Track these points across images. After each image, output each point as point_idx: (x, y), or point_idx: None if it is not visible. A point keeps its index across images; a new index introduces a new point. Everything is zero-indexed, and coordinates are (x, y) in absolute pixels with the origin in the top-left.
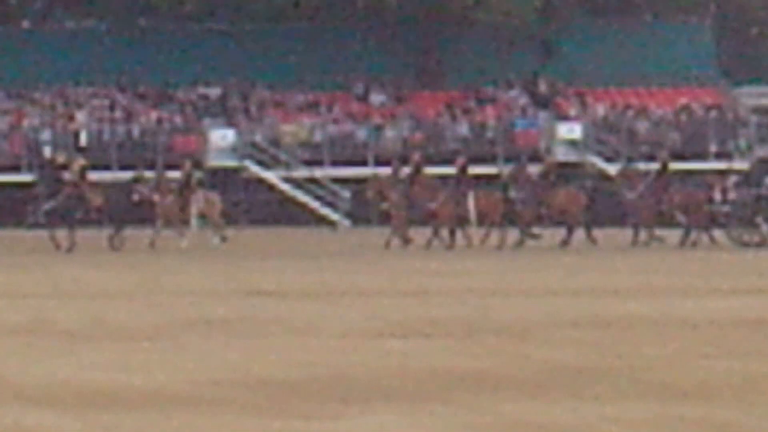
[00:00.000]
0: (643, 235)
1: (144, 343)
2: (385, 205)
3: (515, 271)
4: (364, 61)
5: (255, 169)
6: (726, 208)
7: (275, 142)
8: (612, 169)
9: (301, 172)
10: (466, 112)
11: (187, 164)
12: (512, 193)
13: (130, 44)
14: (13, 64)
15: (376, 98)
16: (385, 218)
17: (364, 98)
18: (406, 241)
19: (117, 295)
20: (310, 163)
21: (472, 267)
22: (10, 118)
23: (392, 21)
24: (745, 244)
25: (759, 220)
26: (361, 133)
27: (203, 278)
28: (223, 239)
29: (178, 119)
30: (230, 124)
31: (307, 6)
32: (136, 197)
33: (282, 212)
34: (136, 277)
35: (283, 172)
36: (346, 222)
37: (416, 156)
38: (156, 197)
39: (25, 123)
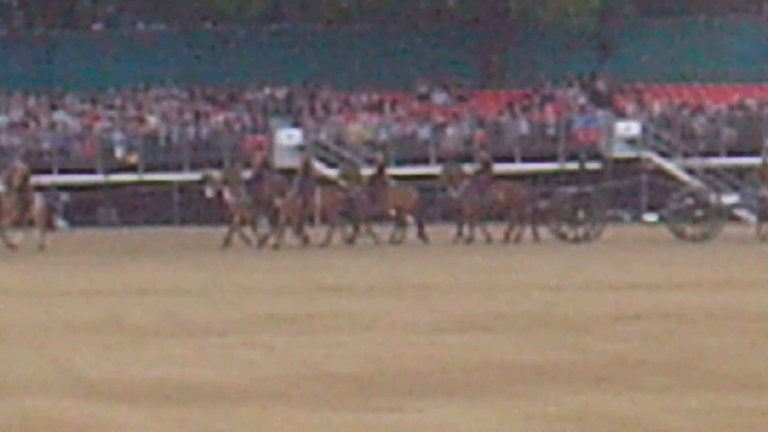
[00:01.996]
0: (467, 231)
1: (214, 339)
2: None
3: (575, 266)
4: (427, 61)
5: (321, 168)
6: (547, 204)
7: (340, 142)
8: (668, 164)
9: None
10: (526, 110)
11: (258, 156)
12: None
13: (199, 47)
14: (85, 66)
15: (438, 98)
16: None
17: (426, 98)
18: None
19: (188, 292)
20: (372, 162)
21: (532, 263)
22: (83, 120)
23: (454, 22)
24: (564, 238)
25: (581, 215)
26: (424, 132)
27: (272, 275)
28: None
29: (246, 120)
30: (296, 123)
31: (370, 8)
32: (210, 194)
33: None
34: (206, 275)
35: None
36: (410, 219)
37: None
38: (227, 195)
39: (97, 125)
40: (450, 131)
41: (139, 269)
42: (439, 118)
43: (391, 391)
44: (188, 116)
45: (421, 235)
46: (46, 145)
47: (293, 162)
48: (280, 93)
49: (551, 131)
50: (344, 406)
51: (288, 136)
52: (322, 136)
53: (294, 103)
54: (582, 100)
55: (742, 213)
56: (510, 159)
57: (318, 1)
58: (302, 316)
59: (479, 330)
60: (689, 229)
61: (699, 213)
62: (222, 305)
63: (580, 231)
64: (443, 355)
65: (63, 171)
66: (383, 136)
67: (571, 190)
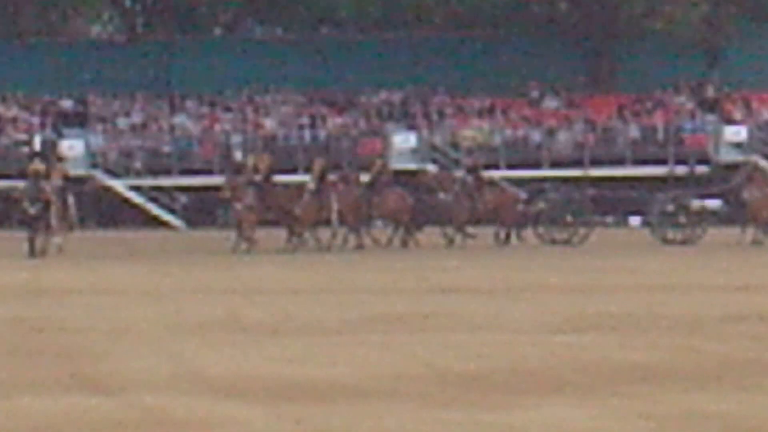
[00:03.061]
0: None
1: (329, 338)
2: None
3: (682, 267)
4: (539, 66)
5: (433, 171)
6: (537, 208)
7: (454, 145)
8: None
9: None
10: (637, 115)
11: (378, 163)
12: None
13: (317, 52)
14: (204, 70)
15: (550, 103)
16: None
17: (538, 103)
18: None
19: (303, 291)
20: (487, 166)
21: (640, 264)
22: (203, 123)
23: (566, 29)
24: (554, 241)
25: (569, 218)
26: (535, 136)
27: (385, 275)
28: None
29: (362, 124)
30: (411, 127)
31: (484, 14)
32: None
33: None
34: (322, 275)
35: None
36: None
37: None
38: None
39: (217, 128)
40: (561, 135)
41: (256, 269)
42: (551, 123)
43: (503, 389)
44: (305, 120)
45: (410, 239)
46: (166, 148)
47: (409, 165)
48: (396, 97)
49: (660, 136)
50: (457, 404)
51: (403, 140)
52: (436, 140)
53: (409, 108)
54: (690, 105)
55: None
56: (620, 162)
57: (433, 7)
58: (416, 315)
59: (589, 330)
60: (670, 234)
61: (681, 218)
62: (338, 305)
63: (572, 235)
64: (554, 355)
65: (183, 173)
66: (496, 139)
67: (559, 194)
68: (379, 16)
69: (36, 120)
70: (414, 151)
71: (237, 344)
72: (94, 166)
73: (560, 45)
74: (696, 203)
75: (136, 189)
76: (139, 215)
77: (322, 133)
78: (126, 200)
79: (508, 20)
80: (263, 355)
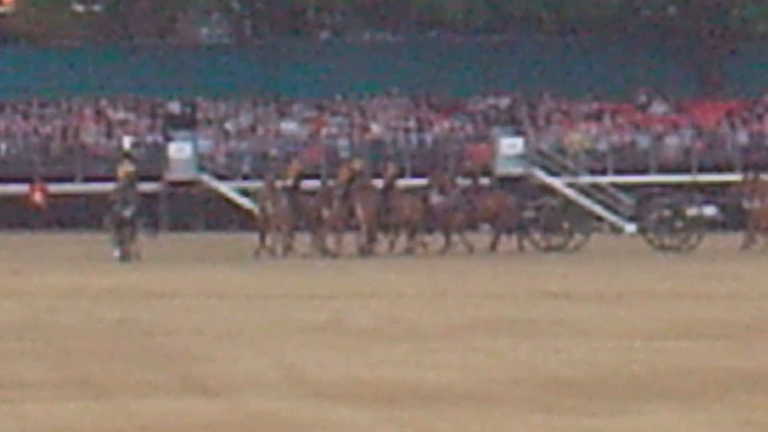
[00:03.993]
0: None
1: (435, 342)
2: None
3: None
4: (647, 72)
5: (542, 176)
6: (533, 214)
7: (561, 150)
8: None
9: (586, 179)
10: (746, 121)
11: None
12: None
13: (424, 56)
14: (312, 74)
15: (658, 108)
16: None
17: (646, 108)
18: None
19: (409, 295)
20: (594, 171)
21: (748, 271)
22: (310, 126)
23: (674, 33)
24: (549, 248)
25: (566, 225)
26: (643, 142)
27: (493, 280)
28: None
29: (468, 128)
30: (518, 132)
31: (592, 19)
32: (435, 201)
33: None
34: (427, 279)
35: (568, 179)
36: (631, 227)
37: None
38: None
39: (324, 132)
40: (669, 141)
41: (361, 272)
42: (659, 128)
43: (609, 395)
44: (412, 124)
45: (419, 244)
46: (273, 151)
47: (515, 170)
48: (503, 102)
49: None
50: (562, 409)
51: (510, 145)
52: (543, 145)
53: (516, 113)
54: None
55: None
56: (729, 169)
57: (541, 12)
58: (523, 320)
59: (697, 336)
60: (667, 240)
61: (678, 224)
62: (443, 309)
63: (569, 241)
64: (661, 361)
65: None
66: (603, 145)
67: (556, 201)
68: (487, 20)
69: (144, 122)
70: (520, 157)
71: (343, 348)
72: (202, 168)
73: (669, 50)
74: (692, 210)
75: (244, 192)
76: (246, 218)
77: (428, 138)
78: (233, 203)
79: (616, 25)
80: (369, 359)
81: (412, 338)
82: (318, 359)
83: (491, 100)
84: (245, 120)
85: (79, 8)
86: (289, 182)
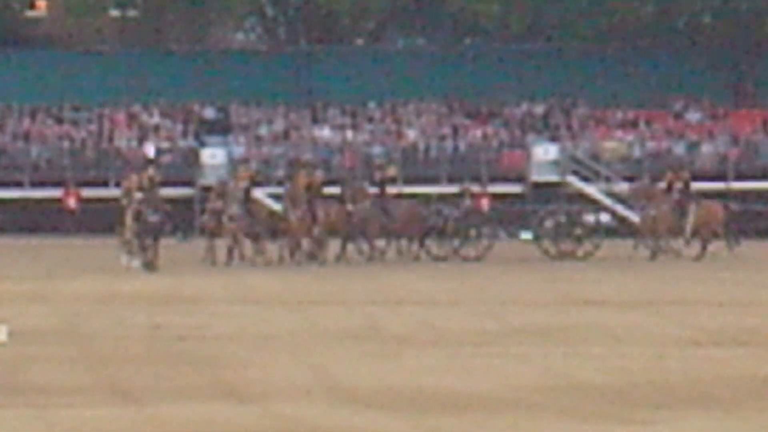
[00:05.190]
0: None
1: (470, 349)
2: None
3: None
4: (682, 80)
5: (576, 183)
6: (441, 222)
7: (596, 157)
8: None
9: (621, 186)
10: None
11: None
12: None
13: (458, 62)
14: (346, 80)
15: (693, 116)
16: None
17: (681, 115)
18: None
19: (442, 302)
20: (629, 178)
21: None
22: (343, 133)
23: (710, 41)
24: (464, 258)
25: (473, 233)
26: (679, 149)
27: (526, 287)
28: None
29: (503, 135)
30: (553, 139)
31: (628, 26)
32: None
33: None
34: (463, 286)
35: (603, 186)
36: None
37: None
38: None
39: (358, 138)
40: (704, 149)
41: (395, 279)
42: (694, 136)
43: (643, 403)
44: (446, 130)
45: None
46: (307, 157)
47: (550, 177)
48: (538, 109)
49: None
50: (596, 417)
51: (544, 152)
52: (578, 152)
53: (551, 119)
54: None
55: None
56: (765, 176)
57: (576, 19)
58: (557, 327)
59: (732, 344)
60: (562, 247)
61: (578, 231)
62: (477, 316)
63: (476, 249)
64: (696, 369)
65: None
66: (638, 152)
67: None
68: (523, 27)
69: (178, 128)
70: (555, 163)
71: (376, 355)
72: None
73: (704, 57)
74: (589, 217)
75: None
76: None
77: (463, 144)
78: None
79: (651, 32)
80: (403, 366)
81: (446, 345)
82: (352, 365)
83: (526, 107)
84: (279, 125)
85: (114, 13)
86: (241, 186)
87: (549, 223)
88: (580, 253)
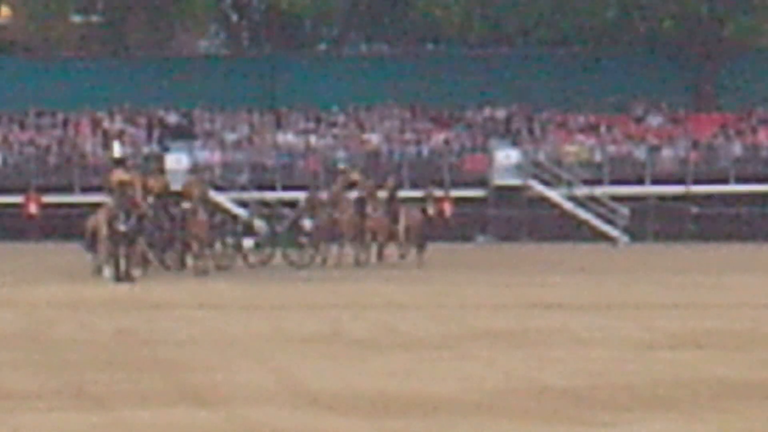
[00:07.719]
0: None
1: (432, 352)
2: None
3: None
4: (643, 84)
5: (538, 188)
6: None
7: (558, 162)
8: None
9: (582, 190)
10: (740, 133)
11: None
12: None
13: (421, 68)
14: (309, 86)
15: (654, 120)
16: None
17: (642, 120)
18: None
19: (406, 306)
20: (590, 182)
21: (741, 281)
22: (306, 138)
23: (670, 46)
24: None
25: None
26: (639, 153)
27: (488, 291)
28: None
29: (466, 139)
30: (515, 143)
31: (588, 32)
32: (430, 212)
33: (563, 229)
34: (425, 290)
35: (564, 191)
36: (625, 238)
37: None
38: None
39: (320, 143)
40: (665, 153)
41: (359, 283)
42: (654, 140)
43: (604, 405)
44: (409, 135)
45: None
46: (270, 162)
47: (511, 181)
48: (500, 113)
49: (764, 154)
50: (558, 419)
51: (506, 156)
52: (540, 156)
53: (513, 124)
54: None
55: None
56: (724, 180)
57: (537, 24)
58: (518, 331)
59: (691, 347)
60: (292, 256)
61: (300, 239)
62: (439, 319)
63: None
64: (656, 371)
65: (286, 188)
66: (599, 156)
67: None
68: (484, 32)
69: (142, 133)
70: (517, 167)
71: (340, 358)
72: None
73: (664, 62)
74: (308, 223)
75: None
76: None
77: (425, 149)
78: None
79: (611, 37)
80: (366, 370)
81: (409, 348)
82: (315, 369)
83: (488, 112)
84: (242, 131)
85: (77, 19)
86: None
87: (268, 231)
88: (306, 259)
